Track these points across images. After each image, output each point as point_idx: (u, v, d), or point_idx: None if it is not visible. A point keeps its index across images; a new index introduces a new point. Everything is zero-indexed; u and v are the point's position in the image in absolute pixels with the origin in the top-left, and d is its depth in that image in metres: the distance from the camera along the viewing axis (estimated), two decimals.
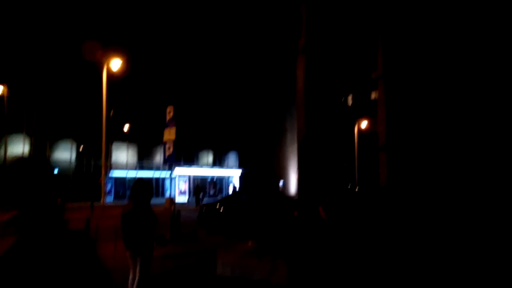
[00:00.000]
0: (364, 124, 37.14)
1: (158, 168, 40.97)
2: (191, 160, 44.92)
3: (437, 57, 9.41)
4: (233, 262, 8.30)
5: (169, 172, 39.19)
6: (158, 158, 40.33)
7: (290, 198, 15.86)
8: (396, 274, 6.91)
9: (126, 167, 39.10)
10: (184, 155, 42.90)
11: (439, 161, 9.07)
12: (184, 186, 41.42)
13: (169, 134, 13.45)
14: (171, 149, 13.53)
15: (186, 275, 8.74)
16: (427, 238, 7.70)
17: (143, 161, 41.68)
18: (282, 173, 43.80)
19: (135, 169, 40.09)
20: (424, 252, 7.36)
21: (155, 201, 30.50)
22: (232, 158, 50.11)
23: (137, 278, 6.11)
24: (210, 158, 48.50)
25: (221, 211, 15.16)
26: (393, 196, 7.73)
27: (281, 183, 39.97)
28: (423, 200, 8.52)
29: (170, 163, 14.44)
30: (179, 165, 40.67)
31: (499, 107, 8.34)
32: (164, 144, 13.86)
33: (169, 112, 13.61)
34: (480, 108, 8.59)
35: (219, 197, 32.50)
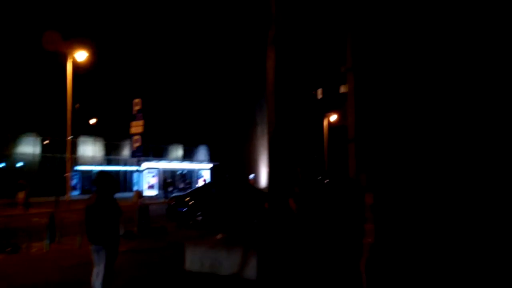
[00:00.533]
0: (333, 117, 37.50)
1: (126, 163, 40.27)
2: (160, 154, 44.34)
3: (406, 49, 9.48)
4: (202, 256, 8.17)
5: (137, 166, 38.54)
6: (126, 152, 39.61)
7: (261, 190, 15.81)
8: (366, 266, 6.92)
9: (92, 161, 38.25)
10: (153, 149, 42.29)
11: (408, 152, 9.17)
12: (153, 180, 40.88)
13: (137, 127, 13.17)
14: (139, 142, 13.26)
15: (153, 270, 8.56)
16: (396, 228, 7.76)
17: (111, 155, 40.88)
18: (252, 167, 43.78)
19: (102, 163, 39.29)
20: (394, 242, 7.41)
21: (123, 195, 30.05)
22: (202, 152, 49.74)
23: (101, 273, 5.92)
24: (179, 152, 48.00)
25: (190, 204, 14.98)
26: (362, 187, 7.74)
27: (251, 177, 39.87)
28: (392, 190, 8.60)
29: (138, 156, 14.16)
30: (147, 159, 40.08)
31: (469, 99, 8.48)
32: (132, 137, 13.57)
33: (136, 105, 13.30)
34: (450, 100, 8.71)
35: (189, 191, 32.37)
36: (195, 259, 8.22)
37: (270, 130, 8.51)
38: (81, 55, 23.38)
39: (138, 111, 13.53)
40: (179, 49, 41.43)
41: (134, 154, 14.04)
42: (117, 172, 39.21)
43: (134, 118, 13.58)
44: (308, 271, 7.25)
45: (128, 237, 12.12)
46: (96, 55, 28.84)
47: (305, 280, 7.12)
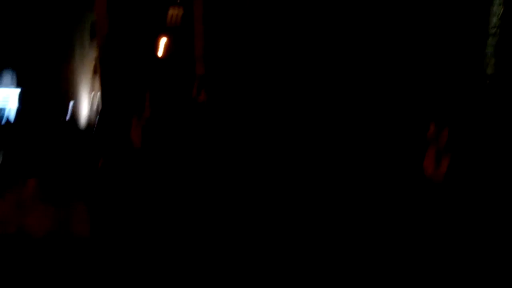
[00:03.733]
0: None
1: None
2: None
3: None
4: (7, 213, 5.89)
5: None
6: None
7: (80, 129, 13.19)
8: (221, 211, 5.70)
9: None
10: None
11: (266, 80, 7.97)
12: None
13: None
14: None
15: None
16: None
17: None
18: (71, 93, 39.03)
19: None
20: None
21: None
22: (7, 75, 42.31)
23: None
24: None
25: None
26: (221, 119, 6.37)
27: (70, 104, 35.37)
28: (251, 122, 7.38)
29: None
30: None
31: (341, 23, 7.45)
32: None
33: None
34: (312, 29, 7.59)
35: None
36: None
37: (101, 40, 6.33)
38: None
39: None
40: None
41: None
42: None
43: None
44: (152, 223, 5.75)
45: None
46: None
47: (147, 232, 5.62)
